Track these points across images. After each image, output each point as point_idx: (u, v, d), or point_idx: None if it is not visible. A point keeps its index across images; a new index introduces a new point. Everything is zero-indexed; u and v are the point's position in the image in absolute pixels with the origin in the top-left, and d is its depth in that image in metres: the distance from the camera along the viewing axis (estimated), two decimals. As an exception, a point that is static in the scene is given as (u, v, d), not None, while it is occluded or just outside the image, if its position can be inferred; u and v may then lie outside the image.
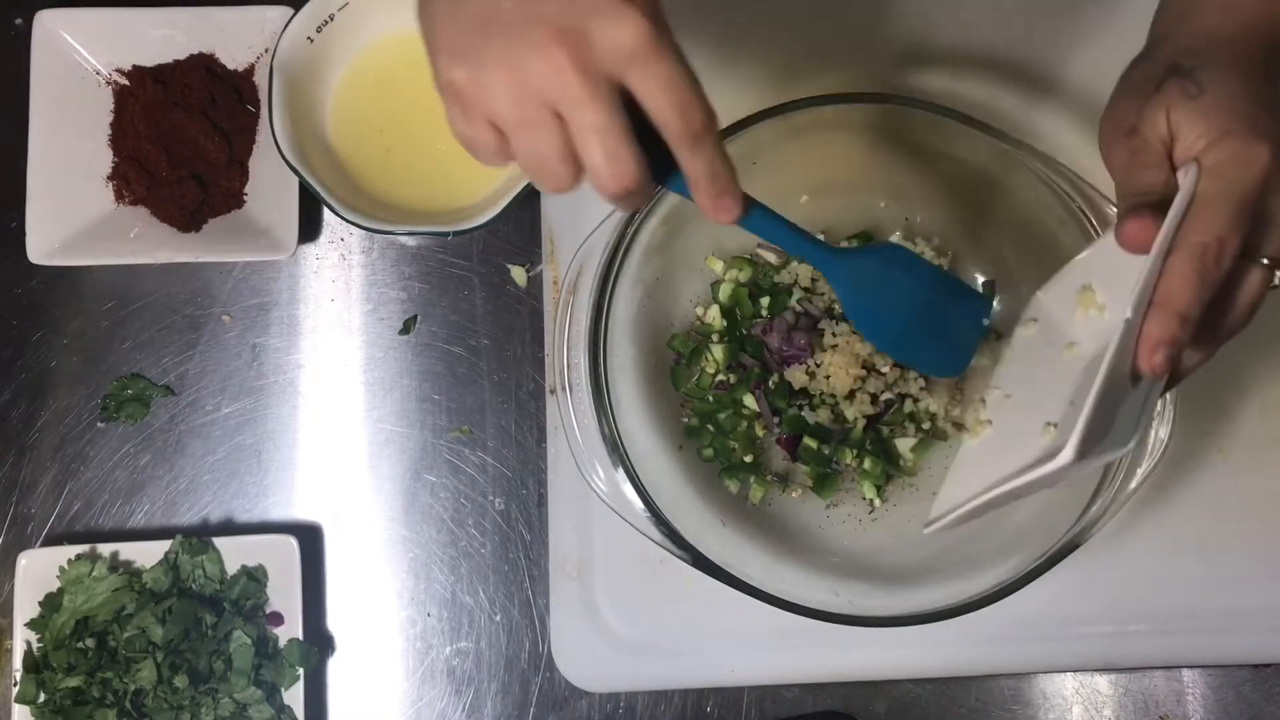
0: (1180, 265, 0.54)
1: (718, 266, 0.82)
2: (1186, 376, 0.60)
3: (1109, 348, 0.56)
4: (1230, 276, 0.56)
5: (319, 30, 0.80)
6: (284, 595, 0.77)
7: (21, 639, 0.76)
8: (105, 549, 0.77)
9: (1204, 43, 0.59)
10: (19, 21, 0.85)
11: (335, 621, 0.81)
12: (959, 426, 0.80)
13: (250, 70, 0.84)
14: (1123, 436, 0.59)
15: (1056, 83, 0.86)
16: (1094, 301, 0.63)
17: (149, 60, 0.83)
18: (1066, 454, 0.56)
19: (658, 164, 0.53)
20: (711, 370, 0.80)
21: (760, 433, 0.80)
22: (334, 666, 0.80)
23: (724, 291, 0.81)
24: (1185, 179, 0.56)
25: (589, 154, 0.51)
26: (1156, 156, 0.57)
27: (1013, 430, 0.68)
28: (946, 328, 0.69)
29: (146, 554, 0.77)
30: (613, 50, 0.49)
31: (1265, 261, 0.57)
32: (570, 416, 0.71)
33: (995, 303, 0.81)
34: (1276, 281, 0.58)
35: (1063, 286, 0.67)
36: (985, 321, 0.70)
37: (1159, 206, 0.56)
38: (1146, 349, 0.56)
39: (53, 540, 0.81)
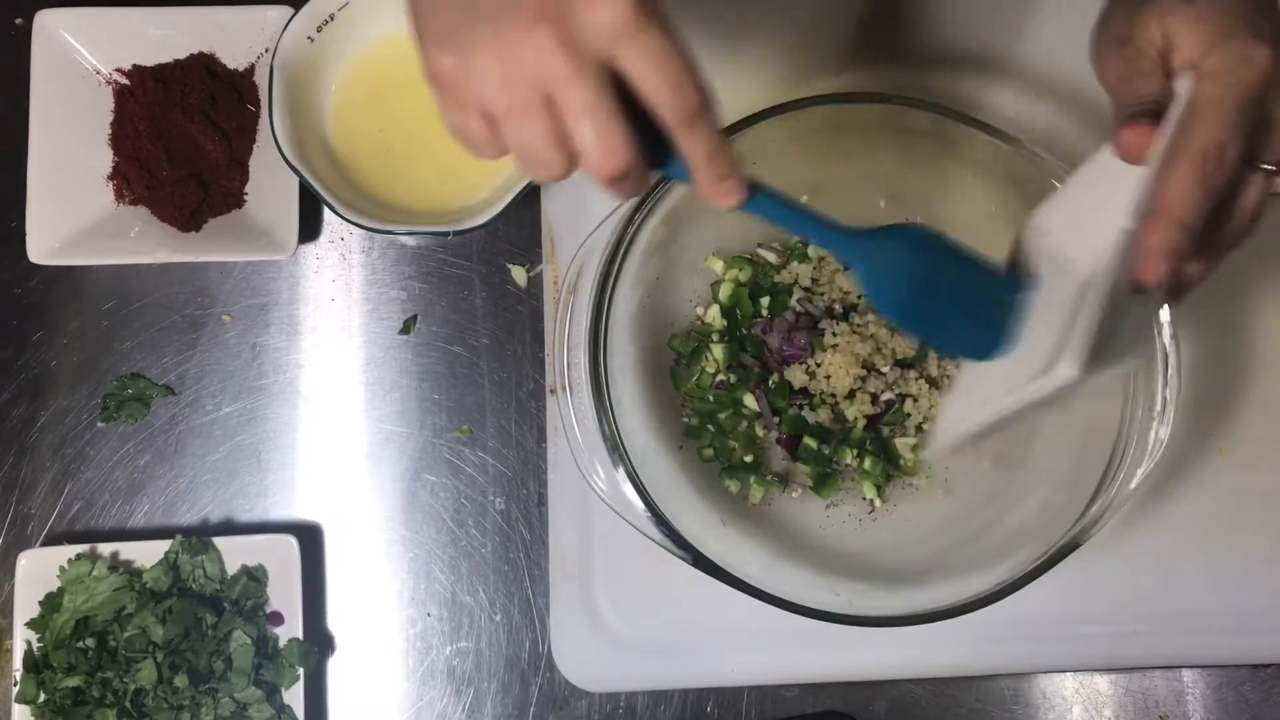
0: (1181, 172, 0.54)
1: (718, 266, 0.82)
2: (1190, 290, 0.59)
3: (1108, 258, 0.55)
4: (1231, 183, 0.55)
5: (319, 30, 0.80)
6: (284, 595, 0.77)
7: (21, 639, 0.76)
8: (105, 549, 0.77)
9: None
10: (19, 21, 0.85)
11: (335, 621, 0.81)
12: (959, 426, 0.80)
13: (250, 70, 0.84)
14: (1127, 351, 0.58)
15: (1057, 81, 0.86)
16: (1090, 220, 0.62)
17: (149, 60, 0.83)
18: (1069, 369, 0.55)
19: (656, 151, 0.51)
20: (711, 370, 0.80)
21: (760, 433, 0.80)
22: (334, 666, 0.80)
23: (724, 291, 0.81)
24: (1183, 86, 0.55)
25: (579, 135, 0.49)
26: (1151, 65, 0.57)
27: (1015, 356, 0.66)
28: (978, 308, 0.64)
29: (146, 554, 0.77)
30: (597, 27, 0.48)
31: (1266, 167, 0.56)
32: (570, 416, 0.71)
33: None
34: (1277, 188, 0.57)
35: (1056, 207, 0.66)
36: (1018, 299, 0.64)
37: (1156, 115, 0.55)
38: (1148, 258, 0.55)
39: (53, 540, 0.81)
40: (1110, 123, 0.58)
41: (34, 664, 0.75)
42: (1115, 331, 0.56)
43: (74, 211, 0.81)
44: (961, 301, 0.64)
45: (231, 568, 0.78)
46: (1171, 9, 0.56)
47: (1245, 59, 0.54)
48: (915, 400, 0.78)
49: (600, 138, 0.49)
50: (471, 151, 0.53)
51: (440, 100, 0.52)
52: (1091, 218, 0.63)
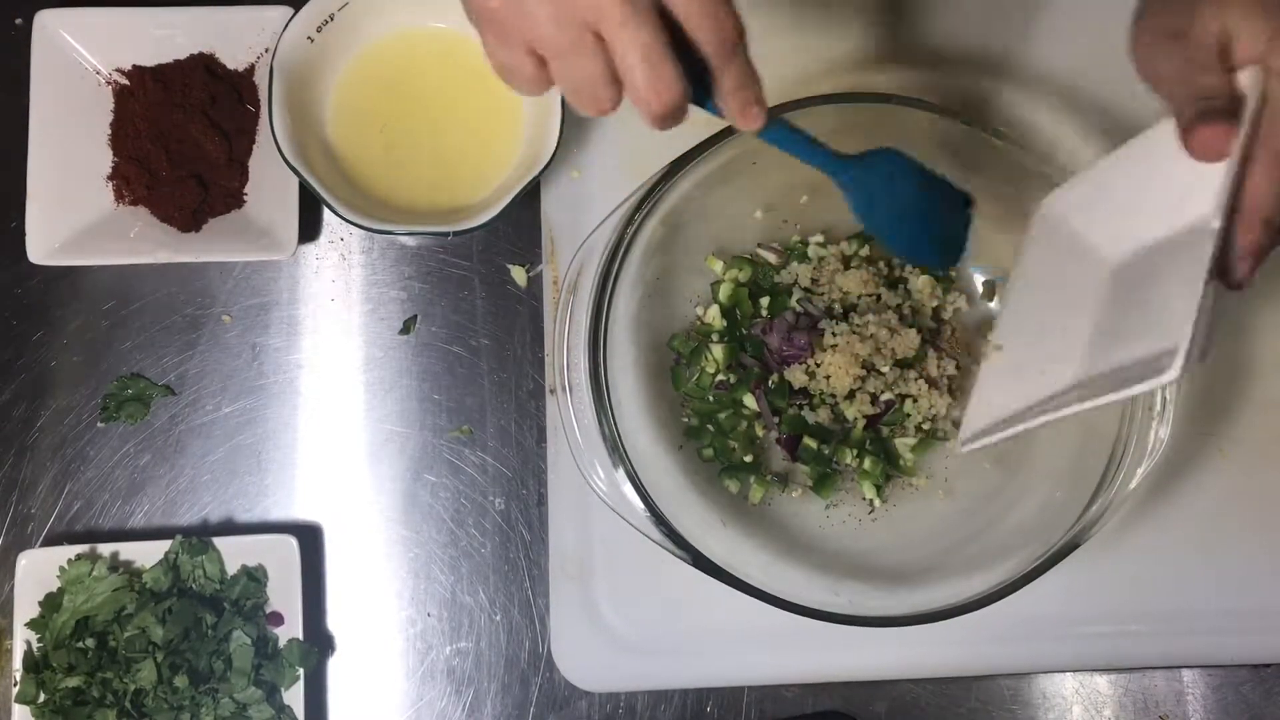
0: (1266, 172, 0.54)
1: (718, 266, 0.82)
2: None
3: (1204, 259, 0.54)
4: None
5: (319, 30, 0.80)
6: (284, 595, 0.77)
7: (21, 639, 0.76)
8: (105, 549, 0.77)
9: None
10: (19, 21, 0.85)
11: (335, 621, 0.81)
12: (959, 426, 0.80)
13: (250, 70, 0.84)
14: (1206, 347, 0.58)
15: (1056, 81, 0.86)
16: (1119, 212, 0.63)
17: (149, 60, 0.83)
18: (1173, 372, 0.54)
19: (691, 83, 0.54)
20: (711, 370, 0.80)
21: (760, 433, 0.80)
22: (334, 666, 0.80)
23: (724, 291, 0.81)
24: (1250, 81, 0.54)
25: (632, 75, 0.51)
26: (1211, 59, 0.56)
27: (1045, 346, 0.68)
28: (942, 222, 0.73)
29: (146, 554, 0.77)
30: None
31: None
32: (570, 416, 0.71)
33: (995, 301, 0.82)
34: None
35: (1077, 195, 0.66)
36: (971, 213, 0.72)
37: (1227, 113, 0.54)
38: (1240, 258, 0.55)
39: (53, 540, 0.81)
40: (1178, 120, 0.57)
41: (34, 664, 0.75)
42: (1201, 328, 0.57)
43: (74, 211, 0.81)
44: (928, 217, 0.72)
45: (231, 568, 0.78)
46: (1231, 1, 0.55)
47: None
48: (915, 400, 0.78)
49: (656, 79, 0.51)
50: (516, 88, 0.55)
51: (486, 37, 0.53)
52: (1123, 208, 0.63)
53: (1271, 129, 0.54)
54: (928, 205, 0.71)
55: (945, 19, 0.87)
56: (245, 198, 0.83)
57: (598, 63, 0.51)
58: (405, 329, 0.84)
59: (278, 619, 0.77)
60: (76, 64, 0.82)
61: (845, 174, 0.67)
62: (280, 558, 0.78)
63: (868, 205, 0.69)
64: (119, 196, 0.82)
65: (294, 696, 0.76)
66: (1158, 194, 0.59)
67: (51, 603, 0.75)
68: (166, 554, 0.77)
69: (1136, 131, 0.63)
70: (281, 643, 0.77)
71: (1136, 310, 0.60)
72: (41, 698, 0.74)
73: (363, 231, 0.83)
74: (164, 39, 0.83)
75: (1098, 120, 0.85)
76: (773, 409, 0.79)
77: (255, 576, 0.77)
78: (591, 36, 0.51)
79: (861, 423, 0.78)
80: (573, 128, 0.82)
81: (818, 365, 0.78)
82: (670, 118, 0.53)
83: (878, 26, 0.87)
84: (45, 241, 0.80)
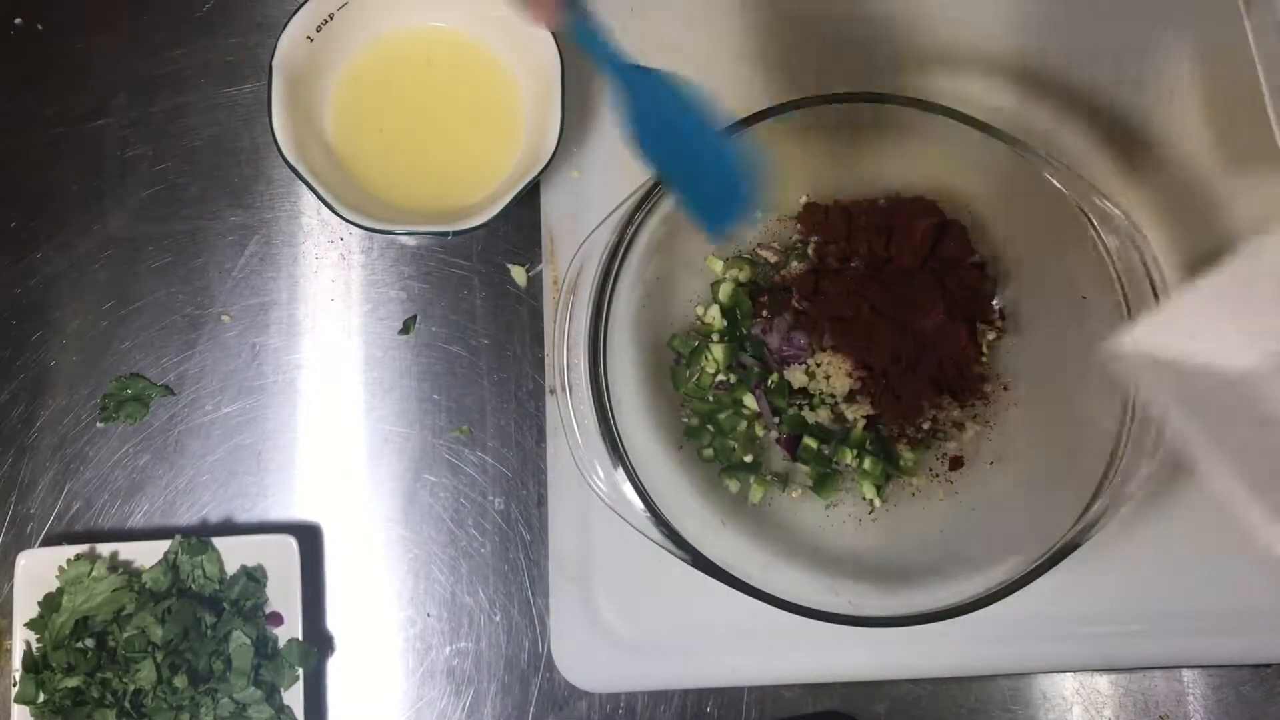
0: None
1: (718, 266, 0.82)
2: None
3: None
4: None
5: (319, 30, 0.80)
6: (283, 595, 0.77)
7: (21, 639, 0.76)
8: (105, 549, 0.77)
9: None
10: (19, 21, 0.85)
11: (335, 621, 0.81)
12: (959, 427, 0.80)
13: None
14: None
15: (1055, 81, 0.86)
16: None
17: None
18: None
19: None
20: (711, 370, 0.80)
21: (760, 433, 0.80)
22: (334, 666, 0.80)
23: (724, 291, 0.81)
24: None
25: None
26: None
27: None
28: (717, 177, 0.65)
29: (146, 554, 0.77)
30: None
31: None
32: (570, 416, 0.71)
33: (996, 300, 0.81)
34: None
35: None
36: (754, 185, 0.65)
37: None
38: None
39: (52, 540, 0.81)
40: None
41: (33, 664, 0.75)
42: None
43: None
44: (702, 160, 0.65)
45: (231, 568, 0.78)
46: None
47: None
48: (915, 400, 0.78)
49: None
50: None
51: None
52: None
53: None
54: (704, 148, 0.64)
55: (945, 19, 0.87)
56: None
57: None
58: (405, 329, 0.84)
59: (277, 619, 0.77)
60: None
61: (626, 77, 0.63)
62: (280, 558, 0.78)
63: (642, 122, 0.63)
64: None
65: (294, 696, 0.76)
66: None
67: (51, 603, 0.75)
68: (166, 554, 0.77)
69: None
70: (281, 643, 0.77)
71: None
72: (41, 698, 0.74)
73: (363, 231, 0.83)
74: None
75: (1095, 122, 0.85)
76: (773, 409, 0.79)
77: (255, 576, 0.77)
78: None
79: (861, 423, 0.78)
80: (573, 128, 0.82)
81: (818, 365, 0.78)
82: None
83: (878, 26, 0.87)
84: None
